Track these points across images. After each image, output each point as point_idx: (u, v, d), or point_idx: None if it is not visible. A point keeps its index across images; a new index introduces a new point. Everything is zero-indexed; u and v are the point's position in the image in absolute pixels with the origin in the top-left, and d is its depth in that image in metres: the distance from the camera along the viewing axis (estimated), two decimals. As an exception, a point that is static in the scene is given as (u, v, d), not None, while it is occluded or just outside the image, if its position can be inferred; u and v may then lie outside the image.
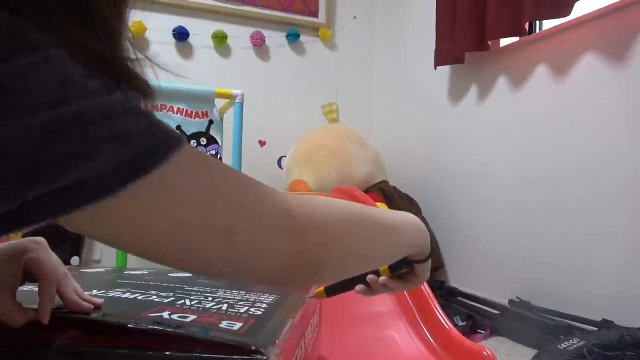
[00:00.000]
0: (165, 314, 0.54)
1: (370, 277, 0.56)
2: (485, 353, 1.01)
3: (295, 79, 2.42)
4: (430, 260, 0.56)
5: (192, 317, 0.53)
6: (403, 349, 1.13)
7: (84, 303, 0.52)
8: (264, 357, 0.46)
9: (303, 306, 0.67)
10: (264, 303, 0.66)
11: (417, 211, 1.98)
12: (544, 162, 1.50)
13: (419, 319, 1.20)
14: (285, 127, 2.34)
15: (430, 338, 1.16)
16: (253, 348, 0.46)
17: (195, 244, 0.28)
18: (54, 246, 1.93)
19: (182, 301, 0.60)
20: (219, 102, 1.74)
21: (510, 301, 1.50)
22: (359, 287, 0.58)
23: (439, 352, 1.12)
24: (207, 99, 1.57)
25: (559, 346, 1.04)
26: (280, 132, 2.34)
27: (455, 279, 1.87)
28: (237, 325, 0.52)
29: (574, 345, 1.03)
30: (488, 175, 1.73)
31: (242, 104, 1.62)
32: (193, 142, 1.56)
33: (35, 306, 0.49)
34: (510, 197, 1.63)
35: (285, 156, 2.20)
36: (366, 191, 1.94)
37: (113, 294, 0.62)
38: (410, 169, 2.21)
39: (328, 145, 2.01)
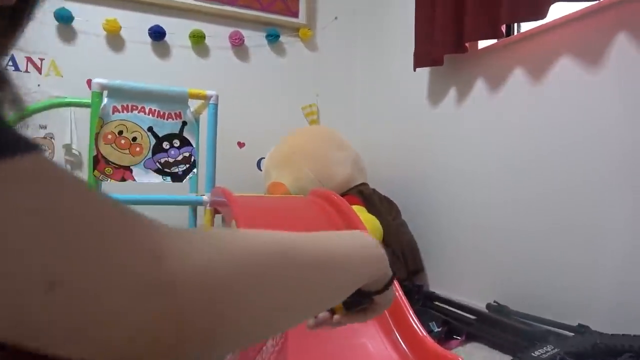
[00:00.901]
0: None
1: (321, 316, 0.47)
2: (458, 361, 0.99)
3: (275, 80, 2.39)
4: (392, 286, 0.49)
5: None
6: (376, 358, 1.10)
7: None
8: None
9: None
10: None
11: (397, 214, 1.96)
12: (522, 164, 1.49)
13: (392, 327, 1.18)
14: (265, 129, 2.31)
15: (404, 346, 1.14)
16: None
17: (9, 296, 0.18)
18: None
19: None
20: (195, 104, 1.70)
21: (488, 305, 1.49)
22: (310, 321, 0.49)
23: (413, 360, 1.09)
24: (180, 99, 1.53)
25: (532, 354, 1.02)
26: (260, 133, 2.31)
27: (435, 283, 1.85)
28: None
29: (548, 353, 1.01)
30: (468, 177, 1.72)
31: (216, 105, 1.58)
32: (166, 144, 1.52)
33: None
34: (490, 199, 1.62)
35: (264, 158, 2.17)
36: (345, 194, 1.92)
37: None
38: (391, 171, 2.20)
39: (306, 148, 1.98)
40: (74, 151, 2.02)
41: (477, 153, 1.68)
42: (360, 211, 1.76)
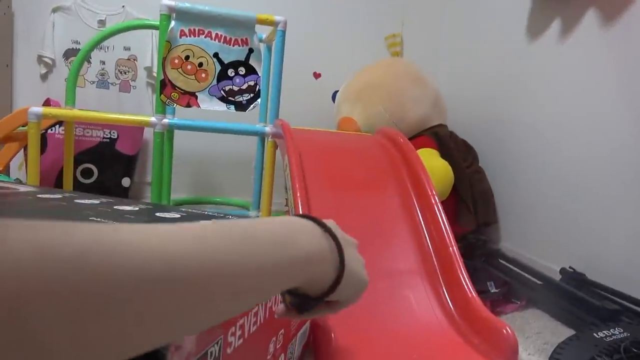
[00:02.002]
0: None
1: (279, 309, 0.44)
2: (505, 331, 0.91)
3: (357, 6, 2.22)
4: (357, 275, 0.42)
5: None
6: (417, 311, 1.05)
7: None
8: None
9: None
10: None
11: (473, 160, 1.81)
12: (631, 123, 1.26)
13: (441, 281, 1.11)
14: (344, 59, 2.19)
15: (450, 304, 1.06)
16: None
17: None
18: (106, 167, 2.04)
19: None
20: (265, 31, 1.64)
21: (562, 270, 1.34)
22: (278, 311, 0.45)
23: (457, 321, 1.02)
24: (247, 25, 1.47)
25: (595, 334, 0.90)
26: (338, 64, 2.20)
27: (507, 238, 1.71)
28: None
29: (614, 336, 0.89)
30: (562, 127, 1.51)
31: (284, 31, 1.50)
32: (231, 72, 1.49)
33: None
34: (585, 154, 1.41)
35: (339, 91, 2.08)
36: (418, 135, 1.79)
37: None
38: (474, 113, 2.00)
39: (382, 83, 1.85)
40: (154, 73, 2.07)
41: (577, 103, 1.45)
42: (431, 155, 1.64)
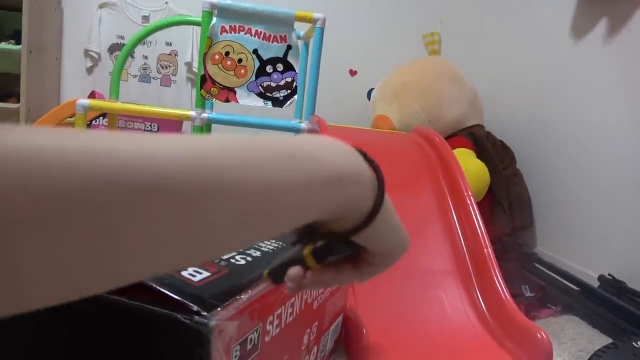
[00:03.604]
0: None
1: (292, 271, 0.33)
2: (539, 335, 0.90)
3: (395, 3, 2.21)
4: (391, 220, 0.33)
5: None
6: (449, 312, 1.04)
7: None
8: (202, 323, 0.41)
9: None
10: (261, 250, 0.61)
11: (511, 162, 1.77)
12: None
13: (474, 282, 1.10)
14: (380, 57, 2.19)
15: (483, 306, 1.05)
16: (194, 309, 0.42)
17: None
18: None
19: None
20: (303, 28, 1.65)
21: (601, 277, 1.31)
22: (291, 275, 0.34)
23: (490, 324, 1.01)
24: (286, 22, 1.49)
25: (635, 344, 0.88)
26: (374, 62, 2.20)
27: (544, 243, 1.68)
28: (200, 276, 0.48)
29: (655, 347, 0.86)
30: (601, 132, 1.46)
31: (323, 28, 1.51)
32: (269, 68, 1.51)
33: None
34: (623, 161, 1.37)
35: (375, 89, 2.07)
36: (454, 134, 1.77)
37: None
38: (512, 114, 1.96)
39: (419, 82, 1.84)
40: (194, 69, 2.12)
41: (620, 104, 1.40)
42: (467, 155, 1.62)
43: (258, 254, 0.59)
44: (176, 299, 0.42)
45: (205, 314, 0.41)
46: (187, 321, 0.41)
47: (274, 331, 0.54)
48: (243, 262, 0.55)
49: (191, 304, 0.42)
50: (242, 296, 0.46)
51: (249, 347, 0.48)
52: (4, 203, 0.16)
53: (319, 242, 0.33)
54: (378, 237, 0.33)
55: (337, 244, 0.33)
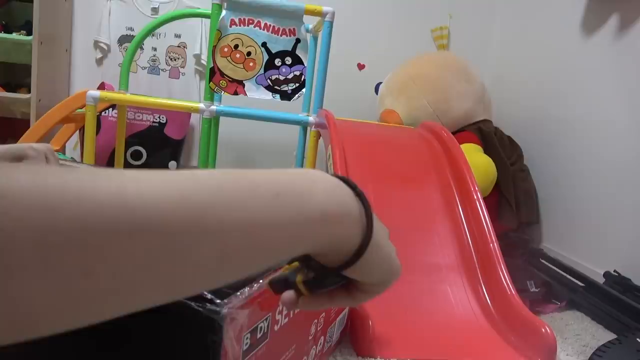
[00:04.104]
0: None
1: (285, 296, 0.34)
2: (543, 330, 0.91)
3: (404, -3, 2.21)
4: (381, 252, 0.33)
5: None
6: (454, 306, 1.05)
7: None
8: (215, 311, 0.43)
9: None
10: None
11: (518, 158, 1.77)
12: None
13: (479, 277, 1.10)
14: (388, 51, 2.18)
15: (488, 300, 1.06)
16: (208, 297, 0.43)
17: None
18: (154, 150, 2.10)
19: None
20: (312, 22, 1.65)
21: (606, 274, 1.31)
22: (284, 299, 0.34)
23: (494, 318, 1.03)
24: (295, 15, 1.49)
25: (638, 339, 0.89)
26: (383, 56, 2.19)
27: (550, 238, 1.68)
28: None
29: (659, 343, 0.87)
30: (610, 130, 1.46)
31: (332, 22, 1.51)
32: (278, 61, 1.52)
33: None
34: (631, 159, 1.36)
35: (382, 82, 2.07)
36: (462, 129, 1.77)
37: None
38: (521, 109, 1.96)
39: (427, 76, 1.83)
40: (202, 61, 2.13)
41: (630, 101, 1.40)
42: (474, 151, 1.62)
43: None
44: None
45: (218, 302, 0.43)
46: (200, 309, 0.42)
47: (282, 321, 0.55)
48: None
49: (204, 292, 0.43)
50: (253, 286, 0.47)
51: (259, 335, 0.49)
52: None
53: (311, 272, 0.33)
54: (367, 271, 0.33)
55: (327, 277, 0.33)
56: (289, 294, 0.34)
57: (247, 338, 0.47)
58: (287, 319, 0.56)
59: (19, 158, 0.49)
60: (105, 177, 0.20)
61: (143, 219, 0.20)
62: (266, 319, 0.51)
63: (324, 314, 0.71)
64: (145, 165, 2.00)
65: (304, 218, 0.27)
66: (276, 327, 0.54)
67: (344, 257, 0.31)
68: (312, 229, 0.27)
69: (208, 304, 0.42)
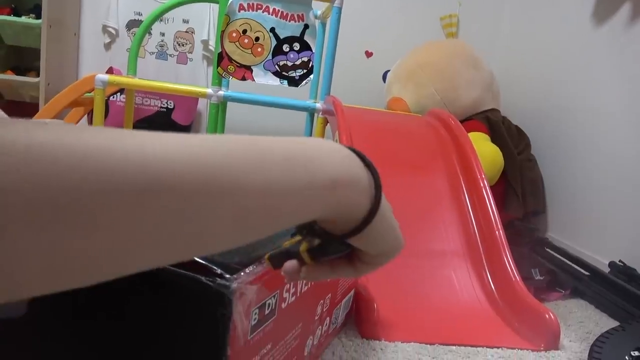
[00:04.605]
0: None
1: (288, 265, 0.35)
2: (547, 316, 0.91)
3: (414, -15, 2.19)
4: (386, 223, 0.34)
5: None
6: (459, 291, 1.06)
7: None
8: (225, 285, 0.43)
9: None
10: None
11: (525, 147, 1.76)
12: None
13: (484, 263, 1.11)
14: (396, 39, 2.18)
15: (493, 287, 1.07)
16: (218, 272, 0.44)
17: None
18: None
19: None
20: (320, 7, 1.64)
21: (611, 263, 1.31)
22: (287, 268, 0.35)
23: (498, 304, 1.03)
24: (304, 0, 1.49)
25: (642, 327, 0.89)
26: (391, 43, 2.19)
27: (556, 228, 1.68)
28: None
29: (662, 331, 0.87)
30: (618, 120, 1.45)
31: (340, 8, 1.51)
32: (286, 47, 1.52)
33: None
34: (638, 150, 1.36)
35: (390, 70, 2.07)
36: (469, 118, 1.77)
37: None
38: (529, 98, 1.95)
39: (435, 64, 1.82)
40: (210, 47, 2.13)
41: (639, 94, 1.39)
42: (481, 139, 1.62)
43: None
44: (200, 263, 0.44)
45: (228, 276, 0.43)
46: (211, 283, 0.43)
47: (290, 299, 0.56)
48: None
49: (215, 267, 0.44)
50: (262, 263, 0.48)
51: (266, 311, 0.50)
52: None
53: (316, 240, 0.33)
54: (372, 240, 0.33)
55: (332, 245, 0.33)
56: (291, 263, 0.34)
57: (255, 313, 0.48)
58: (294, 298, 0.57)
59: None
60: (124, 135, 0.20)
61: (165, 178, 0.20)
62: (274, 296, 0.51)
63: (330, 295, 0.72)
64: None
65: (314, 183, 0.27)
66: (284, 305, 0.54)
67: (351, 225, 0.31)
68: (322, 194, 0.28)
69: (218, 279, 0.43)
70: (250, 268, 0.47)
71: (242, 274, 0.45)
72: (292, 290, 0.56)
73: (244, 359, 0.47)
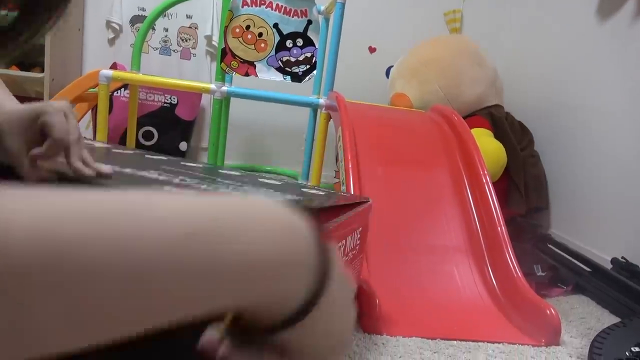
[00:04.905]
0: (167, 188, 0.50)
1: (206, 338, 0.26)
2: (548, 312, 0.92)
3: (418, -20, 2.18)
4: (331, 319, 0.26)
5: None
6: (460, 286, 1.07)
7: (86, 169, 0.51)
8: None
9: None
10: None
11: (529, 143, 1.76)
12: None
13: (486, 259, 1.11)
14: (400, 34, 2.17)
15: (494, 282, 1.07)
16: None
17: None
18: (166, 131, 2.13)
19: (203, 185, 0.56)
20: (324, 3, 1.64)
21: (614, 260, 1.31)
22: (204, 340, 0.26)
23: (500, 299, 1.04)
24: (307, -4, 1.49)
25: (643, 323, 0.89)
26: (395, 39, 2.18)
27: (559, 224, 1.68)
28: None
29: (663, 327, 0.87)
30: (621, 117, 1.45)
31: (344, 4, 1.51)
32: (289, 43, 1.52)
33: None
34: (644, 143, 1.36)
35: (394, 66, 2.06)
36: (473, 114, 1.77)
37: (141, 173, 0.58)
38: (533, 95, 1.94)
39: (439, 60, 1.82)
40: (213, 42, 2.13)
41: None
42: (484, 135, 1.62)
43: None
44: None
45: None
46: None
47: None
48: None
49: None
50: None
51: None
52: None
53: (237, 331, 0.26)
54: (306, 342, 0.25)
55: (253, 340, 0.25)
56: (210, 335, 0.26)
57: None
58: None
59: (37, 117, 0.51)
60: None
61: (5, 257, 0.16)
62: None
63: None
64: (157, 146, 2.02)
65: (224, 266, 0.21)
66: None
67: (277, 320, 0.24)
68: (232, 281, 0.21)
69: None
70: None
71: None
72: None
73: None
